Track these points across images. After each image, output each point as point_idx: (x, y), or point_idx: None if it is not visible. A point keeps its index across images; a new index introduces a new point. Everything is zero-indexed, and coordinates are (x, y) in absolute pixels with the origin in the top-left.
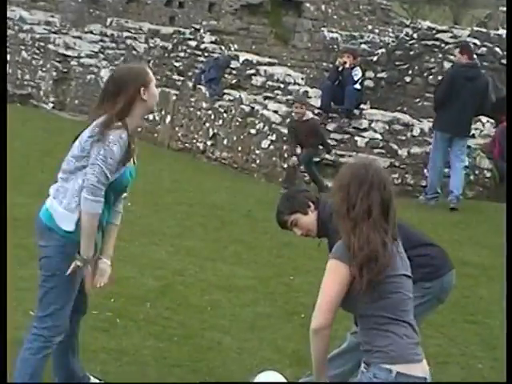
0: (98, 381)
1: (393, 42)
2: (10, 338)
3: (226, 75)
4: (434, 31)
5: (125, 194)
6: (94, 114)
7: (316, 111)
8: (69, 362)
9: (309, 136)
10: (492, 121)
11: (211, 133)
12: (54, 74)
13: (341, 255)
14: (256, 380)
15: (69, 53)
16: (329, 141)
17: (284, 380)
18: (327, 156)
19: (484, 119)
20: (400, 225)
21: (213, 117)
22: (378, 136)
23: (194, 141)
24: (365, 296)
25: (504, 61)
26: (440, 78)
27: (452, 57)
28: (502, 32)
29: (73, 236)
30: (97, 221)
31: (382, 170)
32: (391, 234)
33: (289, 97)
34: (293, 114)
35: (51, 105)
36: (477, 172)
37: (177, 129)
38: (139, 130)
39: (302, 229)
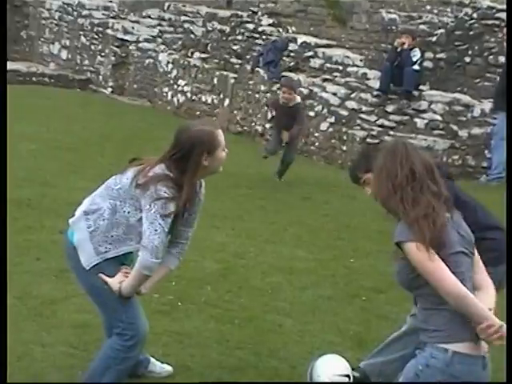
0: (159, 364)
1: (452, 22)
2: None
3: (284, 58)
4: (494, 10)
5: (184, 241)
6: (157, 160)
7: (375, 93)
8: None
9: (291, 121)
10: None
11: (269, 116)
12: (113, 58)
13: (408, 234)
14: (318, 362)
15: (127, 37)
16: (387, 123)
17: (345, 362)
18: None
19: None
20: (467, 202)
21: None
22: (438, 117)
23: (253, 124)
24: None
25: None
26: (501, 57)
27: None
28: None
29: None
30: (147, 275)
31: (413, 143)
32: (441, 198)
33: (347, 79)
34: (280, 98)
35: (110, 89)
36: None
37: (235, 112)
38: (197, 113)
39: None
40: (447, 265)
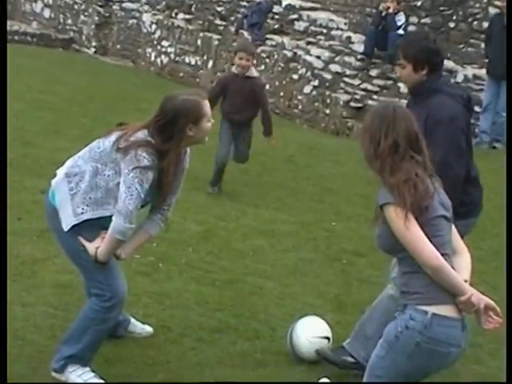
0: (140, 324)
1: None
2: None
3: (269, 20)
4: None
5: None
6: (140, 125)
7: (359, 57)
8: None
9: (248, 100)
10: None
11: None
12: (96, 18)
13: (389, 198)
14: (298, 324)
15: None
16: (371, 87)
17: (325, 324)
18: (371, 102)
19: None
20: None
21: (256, 62)
22: None
23: None
24: None
25: None
26: (485, 23)
27: (499, 1)
28: None
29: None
30: (120, 240)
31: (404, 107)
32: (425, 167)
33: (332, 42)
34: (234, 67)
35: (93, 49)
36: None
37: (219, 74)
38: (181, 74)
39: (402, 74)
40: (428, 229)
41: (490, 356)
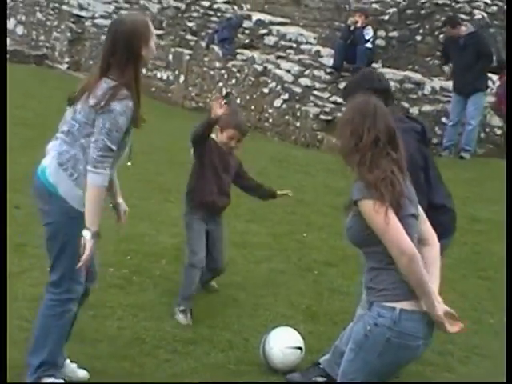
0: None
1: (404, 1)
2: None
3: (239, 35)
4: None
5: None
6: (98, 73)
7: (328, 70)
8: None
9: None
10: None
11: (224, 92)
12: (69, 34)
13: (365, 193)
14: (271, 334)
15: (83, 14)
16: (340, 99)
17: (297, 335)
18: (340, 114)
19: (494, 77)
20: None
21: (226, 76)
22: None
23: (208, 100)
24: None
25: None
26: None
27: (463, 15)
28: None
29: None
30: (103, 194)
31: (383, 104)
32: (400, 166)
33: (301, 56)
34: (216, 137)
35: (66, 65)
36: (487, 130)
37: (190, 88)
38: (153, 89)
39: None
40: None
41: (460, 363)
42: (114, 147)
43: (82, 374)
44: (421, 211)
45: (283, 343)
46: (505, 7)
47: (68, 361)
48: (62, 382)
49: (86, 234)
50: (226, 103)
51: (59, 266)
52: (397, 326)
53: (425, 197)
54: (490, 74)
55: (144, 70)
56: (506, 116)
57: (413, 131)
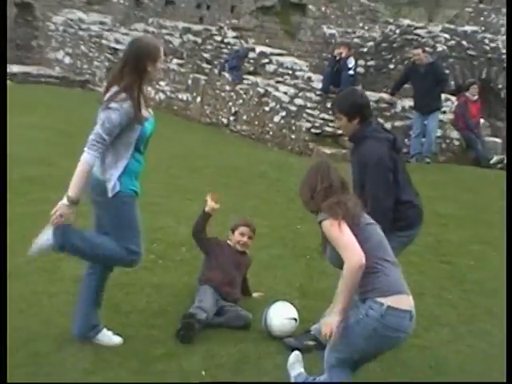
0: (117, 339)
1: (379, 36)
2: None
3: (245, 64)
4: (413, 27)
5: None
6: (110, 81)
7: (318, 92)
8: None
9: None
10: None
11: (233, 110)
12: (107, 63)
13: (324, 216)
14: (271, 308)
15: (118, 46)
16: (327, 116)
17: (293, 308)
18: (327, 128)
19: (453, 98)
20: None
21: (234, 97)
22: None
23: (220, 116)
24: None
25: (469, 52)
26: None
27: (428, 48)
28: (468, 28)
29: (123, 188)
30: (87, 171)
31: (330, 166)
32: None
33: (296, 81)
34: (231, 241)
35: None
36: (447, 141)
37: (205, 107)
38: (175, 108)
39: (340, 125)
40: (366, 231)
41: (424, 330)
42: (105, 136)
43: (117, 339)
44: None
45: (281, 315)
46: (462, 42)
47: (105, 329)
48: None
49: (63, 200)
50: None
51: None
52: (383, 319)
53: (392, 194)
54: (449, 96)
55: (168, 92)
56: (506, 118)
57: (386, 140)
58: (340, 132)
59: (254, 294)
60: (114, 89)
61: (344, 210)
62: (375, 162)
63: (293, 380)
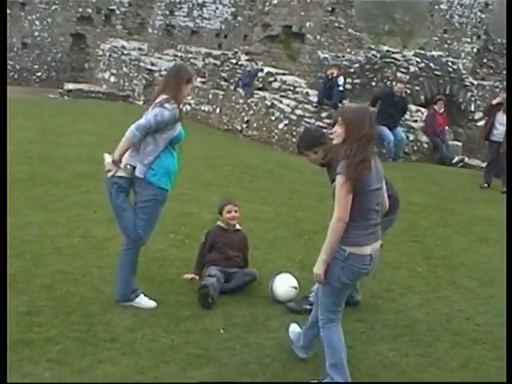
0: (153, 303)
1: (363, 59)
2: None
3: (256, 81)
4: (391, 52)
5: None
6: (159, 94)
7: (314, 105)
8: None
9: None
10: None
11: (245, 119)
12: (144, 82)
13: (341, 169)
14: (276, 278)
15: (153, 68)
16: (322, 124)
17: (294, 278)
18: None
19: (423, 110)
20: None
21: (247, 108)
22: None
23: (235, 124)
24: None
25: (436, 72)
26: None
27: (402, 69)
28: (435, 53)
29: (160, 185)
30: (129, 142)
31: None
32: (372, 151)
33: (296, 95)
34: (221, 222)
35: (142, 101)
36: (418, 144)
37: (223, 117)
38: (199, 117)
39: (310, 159)
40: (364, 198)
41: (400, 297)
42: (153, 126)
43: (153, 303)
44: (384, 186)
45: (284, 284)
46: (430, 64)
47: (142, 294)
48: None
49: (107, 157)
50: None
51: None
52: (346, 261)
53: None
54: (420, 108)
55: (193, 104)
56: (506, 119)
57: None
58: (332, 136)
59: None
60: (164, 96)
61: (359, 173)
62: None
63: (291, 336)
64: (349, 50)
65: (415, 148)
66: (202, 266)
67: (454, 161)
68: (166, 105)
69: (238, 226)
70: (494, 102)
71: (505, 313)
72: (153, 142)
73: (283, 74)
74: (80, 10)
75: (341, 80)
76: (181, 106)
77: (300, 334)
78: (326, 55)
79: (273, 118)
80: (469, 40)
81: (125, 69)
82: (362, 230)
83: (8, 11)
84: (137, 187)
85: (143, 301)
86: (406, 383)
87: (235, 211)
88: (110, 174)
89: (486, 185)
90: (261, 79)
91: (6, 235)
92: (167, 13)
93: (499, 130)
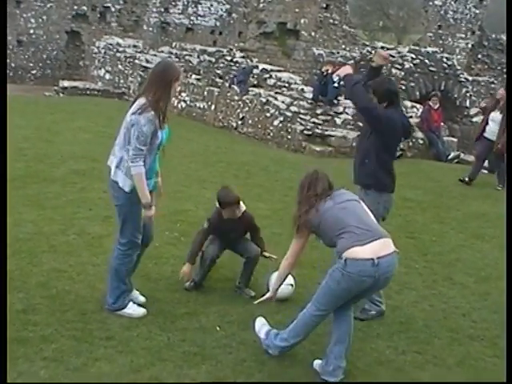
0: (142, 298)
1: (358, 56)
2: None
3: (251, 78)
4: (385, 49)
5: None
6: (142, 94)
7: (309, 101)
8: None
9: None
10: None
11: (241, 116)
12: (139, 79)
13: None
14: (272, 276)
15: (148, 65)
16: (317, 120)
17: (290, 276)
18: (317, 130)
19: (418, 106)
20: None
21: (242, 105)
22: (350, 117)
23: (230, 121)
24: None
25: (431, 68)
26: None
27: (397, 65)
28: (429, 49)
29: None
30: (143, 177)
31: (320, 174)
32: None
33: (291, 92)
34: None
35: None
36: (413, 140)
37: (218, 113)
38: (194, 114)
39: None
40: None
41: (396, 294)
42: (142, 147)
43: (142, 298)
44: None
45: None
46: (425, 60)
47: (134, 290)
48: (143, 310)
49: (144, 208)
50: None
51: (125, 232)
52: (345, 268)
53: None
54: (415, 104)
55: (188, 102)
56: (506, 120)
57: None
58: (327, 133)
59: (266, 254)
60: (142, 101)
61: (303, 221)
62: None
63: (263, 336)
64: (343, 46)
65: (410, 144)
66: (197, 254)
67: (449, 157)
68: (141, 118)
69: (241, 210)
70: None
71: (505, 312)
72: (125, 151)
73: (278, 71)
74: (75, 7)
75: (335, 77)
76: (169, 105)
77: (322, 362)
78: (321, 52)
79: (268, 114)
80: (463, 36)
81: (120, 66)
82: (352, 233)
83: None
84: (115, 192)
85: (134, 295)
86: (402, 383)
87: (237, 207)
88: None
89: (467, 179)
90: (256, 76)
91: (5, 234)
92: (162, 10)
93: (491, 127)
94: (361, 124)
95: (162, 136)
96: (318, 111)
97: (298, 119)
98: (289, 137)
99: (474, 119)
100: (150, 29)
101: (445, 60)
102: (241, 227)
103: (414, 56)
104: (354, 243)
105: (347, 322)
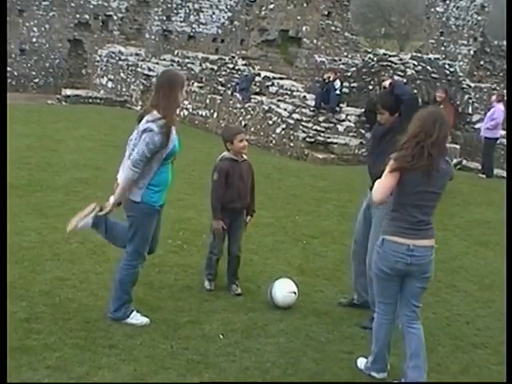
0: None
1: (360, 63)
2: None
3: (253, 86)
4: (387, 56)
5: None
6: (149, 106)
7: (311, 109)
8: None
9: (249, 184)
10: None
11: (243, 123)
12: (141, 87)
13: (395, 156)
14: (275, 283)
15: (150, 73)
16: (319, 128)
17: (293, 283)
18: (319, 137)
19: None
20: None
21: (244, 113)
22: (352, 124)
23: None
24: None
25: (433, 75)
26: None
27: (399, 72)
28: (431, 56)
29: (145, 202)
30: (131, 183)
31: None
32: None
33: (293, 99)
34: (231, 153)
35: (139, 107)
36: None
37: (221, 121)
38: (196, 122)
39: (382, 118)
40: (406, 194)
41: None
42: (148, 155)
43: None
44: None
45: (283, 289)
46: (427, 67)
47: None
48: (146, 320)
49: (111, 199)
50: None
51: (133, 242)
52: (381, 248)
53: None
54: None
55: (190, 109)
56: (507, 119)
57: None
58: (330, 140)
59: (247, 219)
60: (155, 112)
61: (408, 165)
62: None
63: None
64: (345, 53)
65: None
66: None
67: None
68: (154, 127)
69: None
70: None
71: (505, 316)
72: (147, 163)
73: (280, 79)
74: (77, 16)
75: (338, 84)
76: (177, 112)
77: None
78: (323, 59)
79: (270, 122)
80: (465, 42)
81: (122, 74)
82: (402, 222)
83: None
84: (128, 204)
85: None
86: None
87: (246, 140)
88: (102, 213)
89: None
90: (258, 84)
91: (5, 242)
92: (164, 18)
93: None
94: (363, 131)
95: (175, 144)
96: (321, 118)
97: (301, 127)
98: (291, 144)
99: (477, 126)
100: (152, 37)
101: (447, 67)
102: (248, 170)
103: (416, 63)
104: (399, 233)
105: (417, 336)
